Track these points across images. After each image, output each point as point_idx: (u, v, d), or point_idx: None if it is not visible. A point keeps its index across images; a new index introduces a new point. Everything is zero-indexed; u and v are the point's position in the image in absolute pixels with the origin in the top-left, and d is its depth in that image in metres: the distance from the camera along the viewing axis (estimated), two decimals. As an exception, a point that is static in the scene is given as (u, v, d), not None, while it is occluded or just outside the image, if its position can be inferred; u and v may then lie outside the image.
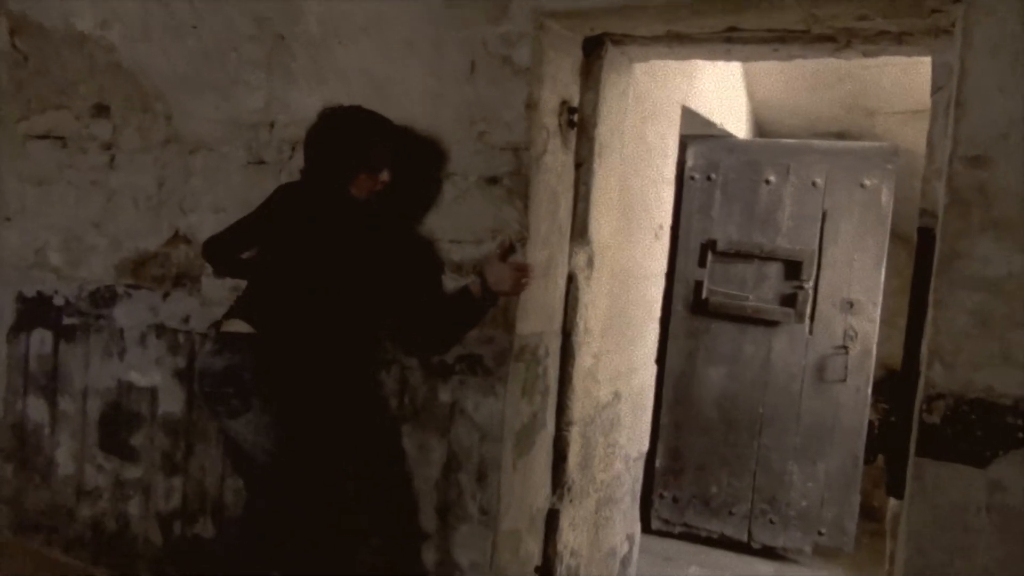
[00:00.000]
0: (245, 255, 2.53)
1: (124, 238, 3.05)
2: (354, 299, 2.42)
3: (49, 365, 3.25)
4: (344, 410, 2.65)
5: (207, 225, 2.88)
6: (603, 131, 2.71)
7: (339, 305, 2.41)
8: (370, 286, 2.40)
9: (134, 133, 3.01)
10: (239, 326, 2.37)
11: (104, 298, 3.10)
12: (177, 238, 2.95)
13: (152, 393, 3.01)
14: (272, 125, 2.77)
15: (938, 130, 2.28)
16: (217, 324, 2.54)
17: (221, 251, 2.54)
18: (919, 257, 2.27)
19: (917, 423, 1.97)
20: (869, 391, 4.08)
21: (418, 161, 2.52)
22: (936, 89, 2.30)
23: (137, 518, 3.05)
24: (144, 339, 3.01)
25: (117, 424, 3.08)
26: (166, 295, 2.97)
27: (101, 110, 3.09)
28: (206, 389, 2.37)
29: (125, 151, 3.03)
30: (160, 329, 2.98)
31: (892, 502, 2.39)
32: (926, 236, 2.23)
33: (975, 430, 1.89)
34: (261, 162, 2.80)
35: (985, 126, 1.89)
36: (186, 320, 2.93)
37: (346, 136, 2.40)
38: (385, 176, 2.45)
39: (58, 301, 3.22)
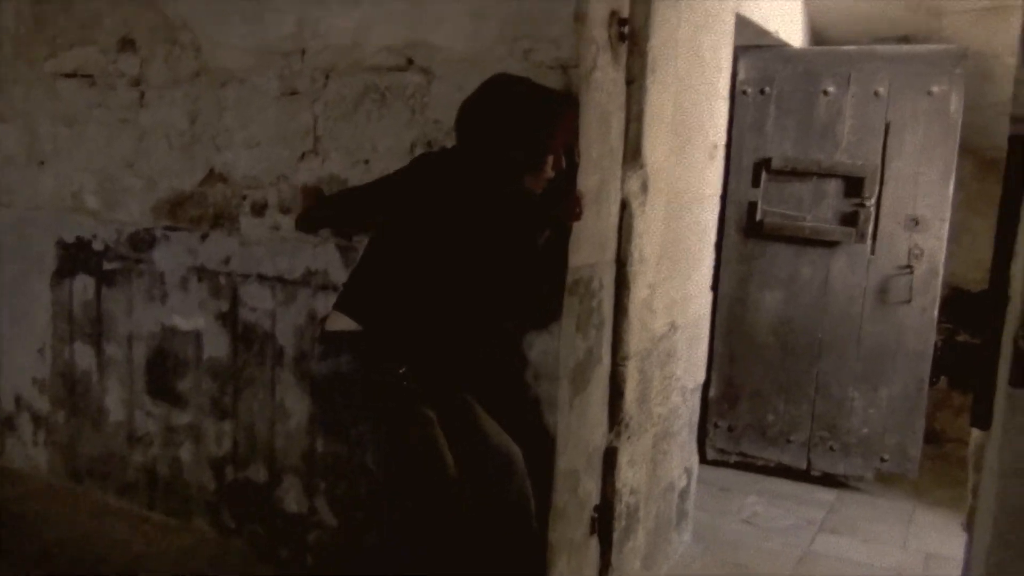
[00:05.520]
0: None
1: (159, 178, 2.96)
2: (490, 297, 2.12)
3: (93, 311, 3.20)
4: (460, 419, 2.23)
5: (242, 162, 2.78)
6: (655, 44, 2.53)
7: (474, 305, 2.11)
8: (508, 279, 2.12)
9: (162, 67, 2.89)
10: (344, 323, 2.08)
11: (143, 241, 3.02)
12: (213, 176, 2.84)
13: (197, 337, 2.95)
14: (304, 52, 2.63)
15: (1033, 26, 2.06)
16: (323, 320, 2.26)
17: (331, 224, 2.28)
18: (1009, 169, 2.07)
19: (1011, 350, 1.82)
20: (935, 312, 3.90)
21: None
22: (1030, -20, 2.07)
23: (189, 463, 3.03)
24: (185, 283, 2.94)
25: (164, 369, 3.04)
26: (204, 236, 2.88)
27: (127, 44, 2.96)
28: (316, 399, 2.16)
29: (154, 87, 2.92)
30: (201, 271, 2.91)
31: (975, 433, 2.26)
32: (1019, 145, 2.03)
33: (1077, 357, 1.73)
34: (295, 92, 2.66)
35: (1094, 18, 1.68)
36: (226, 262, 2.85)
37: (530, 116, 2.05)
38: (562, 164, 2.15)
39: (97, 246, 3.15)
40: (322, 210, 2.35)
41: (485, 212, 2.05)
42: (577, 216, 2.24)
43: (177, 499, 3.09)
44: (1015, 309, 1.85)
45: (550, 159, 2.11)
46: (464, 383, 2.26)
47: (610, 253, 2.56)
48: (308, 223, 2.41)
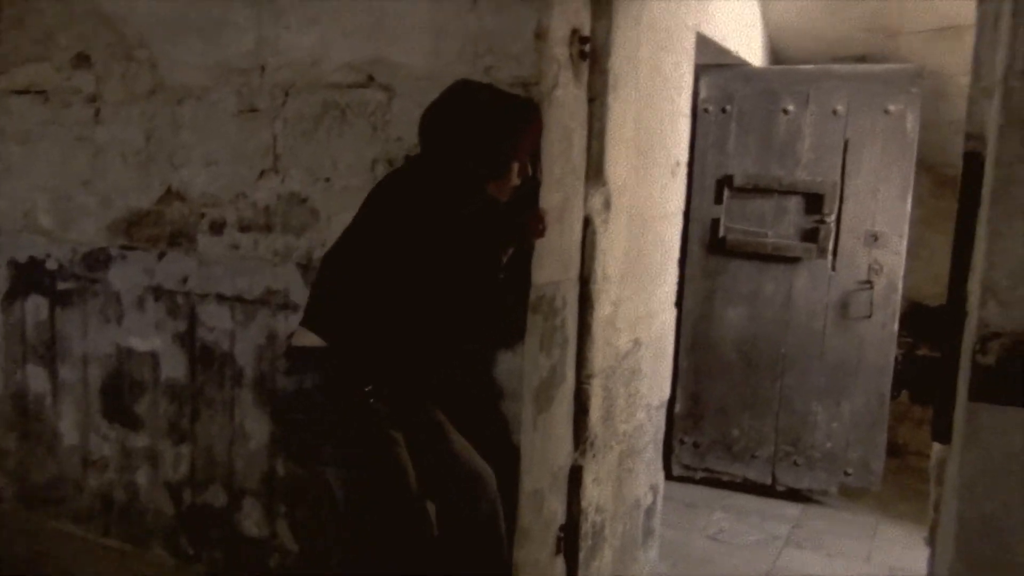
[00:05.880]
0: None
1: (115, 196, 2.90)
2: (455, 314, 2.06)
3: (47, 332, 3.12)
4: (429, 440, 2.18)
5: (200, 179, 2.73)
6: (617, 62, 2.54)
7: (438, 322, 2.04)
8: (473, 295, 2.06)
9: (118, 84, 2.83)
10: (310, 339, 2.01)
11: (99, 260, 2.95)
12: (170, 194, 2.79)
13: (153, 358, 2.88)
14: (263, 69, 2.59)
15: (985, 44, 2.09)
16: (289, 336, 2.18)
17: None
18: (965, 185, 2.10)
19: (969, 365, 1.84)
20: (896, 327, 3.94)
21: None
22: (983, -1, 2.11)
23: (146, 488, 2.96)
24: (142, 303, 2.88)
25: (119, 392, 2.97)
26: (161, 255, 2.83)
27: (82, 60, 2.90)
28: (277, 417, 2.09)
29: (110, 103, 2.86)
30: (158, 291, 2.84)
31: (936, 447, 2.27)
32: (973, 161, 2.06)
33: (1034, 371, 1.75)
34: (254, 110, 2.63)
35: (1046, 36, 1.71)
36: (184, 281, 2.79)
37: (494, 122, 2.01)
38: (527, 171, 2.11)
39: (51, 265, 3.08)
40: None
41: (448, 222, 1.99)
42: (540, 233, 2.23)
43: (134, 525, 3.01)
44: (973, 324, 1.87)
45: (515, 166, 2.08)
46: (431, 401, 2.23)
47: (573, 271, 2.55)
48: None
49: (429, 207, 2.00)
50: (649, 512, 3.28)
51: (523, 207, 2.19)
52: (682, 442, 4.26)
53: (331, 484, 2.05)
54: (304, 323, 2.07)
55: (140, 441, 2.95)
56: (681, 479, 4.24)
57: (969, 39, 2.18)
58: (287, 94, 2.57)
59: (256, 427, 2.73)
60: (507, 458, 2.31)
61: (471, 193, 2.02)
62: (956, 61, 3.78)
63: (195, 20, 2.66)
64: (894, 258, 3.91)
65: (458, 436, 2.20)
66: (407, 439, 2.06)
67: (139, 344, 2.90)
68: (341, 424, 1.99)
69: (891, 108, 3.83)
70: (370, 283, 2.01)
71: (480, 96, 2.06)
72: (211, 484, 2.83)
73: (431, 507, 2.11)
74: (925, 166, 4.19)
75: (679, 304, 3.62)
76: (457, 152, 2.02)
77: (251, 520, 2.78)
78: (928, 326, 4.53)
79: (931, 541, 2.34)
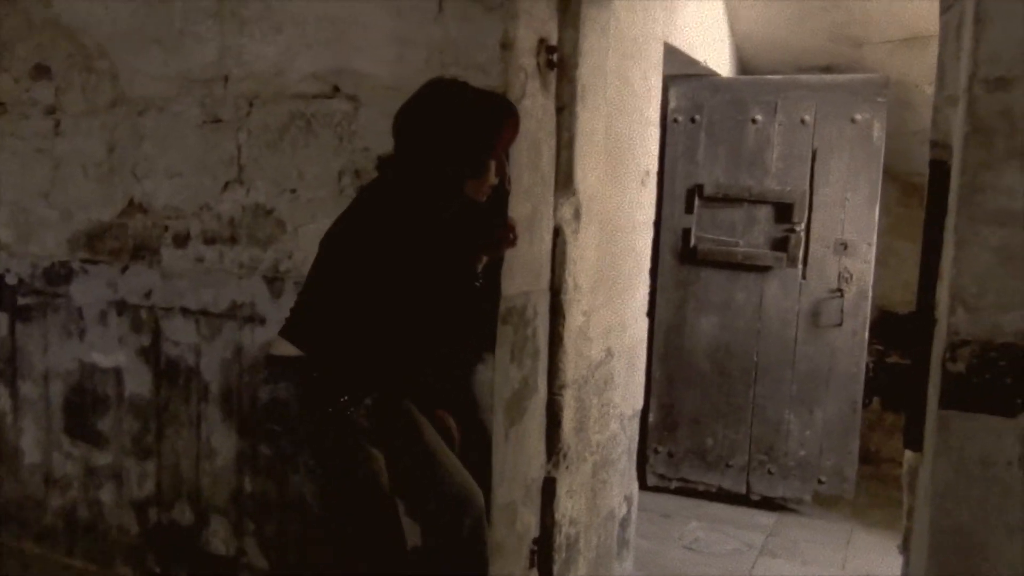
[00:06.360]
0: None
1: (76, 209, 2.84)
2: (429, 323, 2.03)
3: (7, 348, 3.05)
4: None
5: (163, 191, 2.69)
6: (584, 72, 2.53)
7: (412, 332, 2.01)
8: (447, 302, 2.03)
9: (78, 95, 2.78)
10: (287, 348, 1.99)
11: (60, 275, 2.89)
12: (132, 207, 2.74)
13: (117, 374, 2.82)
14: (227, 79, 2.56)
15: (949, 53, 2.10)
16: (268, 345, 2.16)
17: None
18: (932, 193, 2.11)
19: (939, 372, 1.83)
20: (866, 334, 3.96)
21: None
22: (945, 8, 2.12)
23: (111, 506, 2.89)
24: (105, 317, 2.82)
25: (82, 408, 2.90)
26: (124, 269, 2.77)
27: (41, 71, 2.85)
28: (259, 426, 2.08)
29: (70, 115, 2.81)
30: (121, 306, 2.79)
31: (908, 454, 2.26)
32: (939, 169, 2.07)
33: (1004, 377, 1.75)
34: (217, 120, 2.59)
35: (1009, 43, 1.72)
36: (148, 295, 2.74)
37: (471, 117, 1.96)
38: (504, 170, 2.07)
39: (11, 280, 3.01)
40: None
41: (428, 225, 1.95)
42: (512, 243, 2.20)
43: (98, 544, 2.94)
44: (942, 331, 1.87)
45: (493, 164, 2.04)
46: (418, 413, 2.18)
47: (544, 281, 2.53)
48: None
49: (408, 211, 1.96)
50: (624, 523, 3.26)
51: (493, 217, 2.17)
52: (656, 452, 4.25)
53: (305, 495, 2.02)
54: (282, 332, 2.05)
55: (104, 458, 2.88)
56: (656, 489, 4.23)
57: (934, 49, 2.19)
58: (251, 104, 2.54)
59: (223, 443, 2.68)
60: (486, 469, 2.29)
61: (450, 194, 1.98)
62: (921, 71, 3.82)
63: (156, 30, 2.62)
64: (863, 266, 3.93)
65: (445, 450, 2.16)
66: (391, 453, 2.02)
67: (102, 360, 2.84)
68: (316, 434, 1.95)
69: (858, 117, 3.86)
70: (346, 291, 1.97)
71: (455, 93, 2.01)
72: (177, 501, 2.77)
73: (414, 523, 2.08)
74: (892, 175, 4.23)
75: (651, 314, 3.61)
76: (434, 151, 1.97)
77: (219, 538, 2.72)
78: (898, 333, 4.56)
79: (904, 549, 2.33)
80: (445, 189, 1.99)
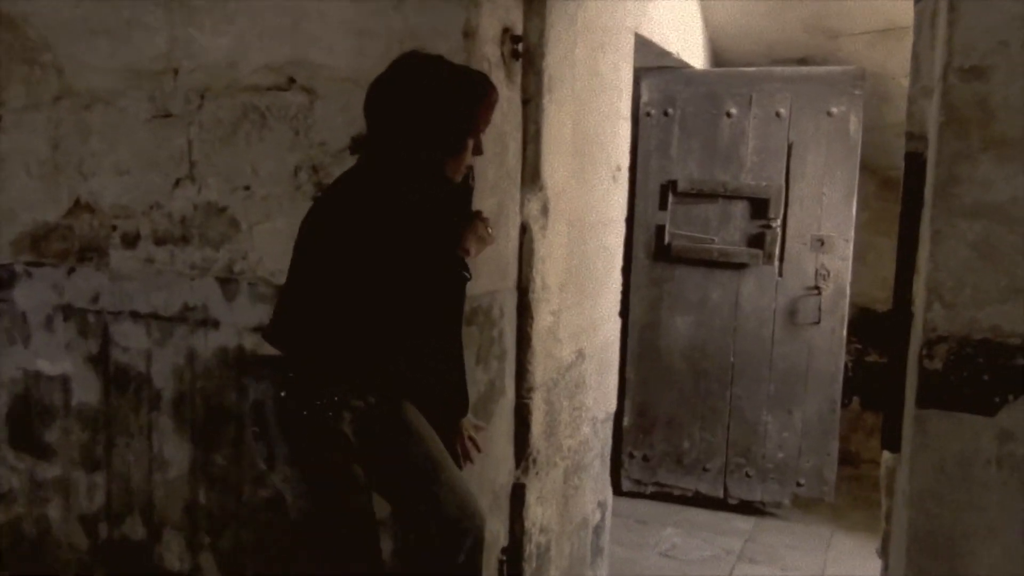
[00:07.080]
0: None
1: (19, 210, 2.71)
2: (426, 307, 1.90)
3: (-50, 356, 2.92)
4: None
5: (111, 190, 2.57)
6: (551, 62, 2.45)
7: (407, 318, 1.89)
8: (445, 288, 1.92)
9: (21, 89, 2.65)
10: (268, 348, 1.94)
11: (2, 279, 2.76)
12: (79, 207, 2.62)
13: (64, 382, 2.69)
14: (176, 72, 2.45)
15: (924, 43, 2.04)
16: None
17: None
18: (907, 186, 2.04)
19: (916, 370, 1.76)
20: (844, 333, 3.90)
21: None
22: (919, -2, 2.05)
23: (58, 521, 2.76)
24: (50, 323, 2.69)
25: (28, 419, 2.77)
26: (71, 272, 2.65)
27: (-19, 65, 2.73)
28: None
29: (12, 110, 2.68)
30: (67, 310, 2.66)
31: (886, 456, 2.20)
32: (915, 162, 2.00)
33: (982, 375, 1.68)
34: (168, 115, 2.48)
35: (983, 32, 1.65)
36: (95, 299, 2.62)
37: (448, 93, 1.86)
38: (481, 149, 1.95)
39: (-47, 285, 2.88)
40: None
41: (410, 207, 1.84)
42: (491, 239, 2.06)
43: (46, 561, 2.81)
44: (919, 328, 1.80)
45: (470, 143, 1.93)
46: (414, 418, 2.05)
47: (511, 280, 2.45)
48: None
49: (389, 198, 1.85)
50: (597, 530, 3.17)
51: (461, 214, 2.04)
52: (631, 456, 4.16)
53: (282, 497, 1.95)
54: (263, 333, 1.99)
55: (51, 471, 2.76)
56: (631, 494, 4.13)
57: (910, 41, 2.13)
58: (203, 98, 2.44)
59: (176, 453, 2.57)
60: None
61: (431, 173, 1.89)
62: (898, 63, 3.75)
63: (102, 21, 2.50)
64: (841, 263, 3.87)
65: (445, 462, 2.03)
66: (380, 462, 1.92)
67: (48, 367, 2.71)
68: (294, 435, 1.85)
69: (834, 110, 3.79)
70: (327, 286, 1.87)
71: (431, 68, 1.90)
72: (129, 516, 2.66)
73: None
74: (870, 169, 4.17)
75: (624, 313, 3.53)
76: (411, 129, 1.86)
77: (172, 553, 2.61)
78: (877, 331, 4.50)
79: (883, 553, 2.27)
80: (426, 170, 1.88)
